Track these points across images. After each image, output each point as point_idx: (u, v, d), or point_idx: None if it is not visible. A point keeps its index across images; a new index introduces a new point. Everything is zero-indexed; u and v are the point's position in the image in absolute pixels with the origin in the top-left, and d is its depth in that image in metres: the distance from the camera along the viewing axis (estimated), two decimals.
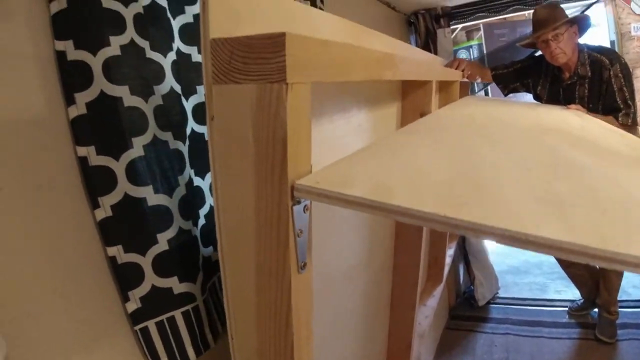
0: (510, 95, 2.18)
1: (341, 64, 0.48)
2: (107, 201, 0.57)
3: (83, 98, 0.54)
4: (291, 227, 0.42)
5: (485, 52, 3.17)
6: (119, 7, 0.57)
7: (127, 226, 0.58)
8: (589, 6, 2.08)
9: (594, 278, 2.24)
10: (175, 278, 0.63)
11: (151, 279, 0.61)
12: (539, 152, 0.64)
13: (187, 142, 0.70)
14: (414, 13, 2.06)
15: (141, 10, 0.60)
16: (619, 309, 2.27)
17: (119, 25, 0.56)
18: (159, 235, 0.61)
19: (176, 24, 0.70)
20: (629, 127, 1.74)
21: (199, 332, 0.66)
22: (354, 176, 0.44)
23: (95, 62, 0.54)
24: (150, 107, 0.61)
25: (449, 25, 2.09)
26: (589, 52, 1.77)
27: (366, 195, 0.37)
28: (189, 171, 0.70)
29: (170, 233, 0.62)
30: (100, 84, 0.55)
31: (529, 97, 2.16)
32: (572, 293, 2.48)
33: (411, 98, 1.11)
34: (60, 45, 0.52)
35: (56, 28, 0.52)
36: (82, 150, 0.55)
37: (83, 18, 0.53)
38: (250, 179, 0.44)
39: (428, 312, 1.73)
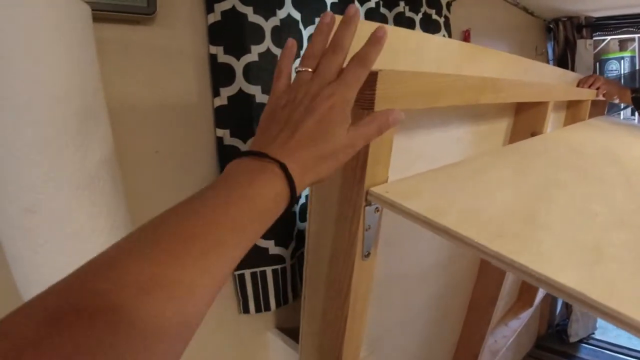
0: None
1: (430, 92, 0.56)
2: None
3: (226, 92, 0.71)
4: (361, 223, 0.53)
5: (638, 66, 2.79)
6: (260, 20, 0.71)
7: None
8: None
9: None
10: (272, 241, 0.78)
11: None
12: (625, 197, 0.64)
13: None
14: (555, 20, 1.93)
15: (278, 23, 0.74)
16: None
17: (259, 36, 0.71)
18: None
19: (306, 33, 0.83)
20: None
21: (282, 288, 0.81)
22: (421, 192, 0.52)
23: (238, 65, 0.70)
24: None
25: (591, 37, 1.91)
26: None
27: (420, 211, 0.46)
28: None
29: None
30: (240, 82, 0.71)
31: None
32: None
33: (524, 116, 1.10)
34: (213, 49, 0.68)
35: (211, 35, 0.68)
36: (220, 132, 0.72)
37: (232, 29, 0.69)
38: (337, 181, 0.55)
39: (508, 332, 1.70)
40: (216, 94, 0.71)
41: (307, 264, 0.65)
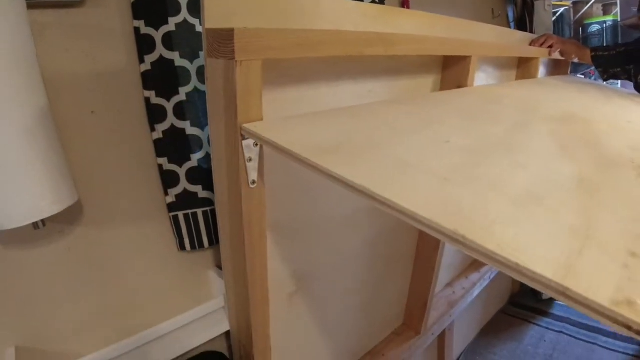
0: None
1: (298, 45, 0.70)
2: (160, 127, 0.89)
3: (149, 59, 0.86)
4: (241, 155, 0.69)
5: (619, 29, 2.87)
6: None
7: (172, 145, 0.91)
8: None
9: None
10: (200, 186, 0.95)
11: (184, 184, 0.93)
12: (492, 134, 0.78)
13: None
14: None
15: None
16: None
17: (176, 9, 0.86)
18: (192, 155, 0.93)
19: None
20: None
21: (214, 228, 0.98)
22: (286, 128, 0.68)
23: (158, 35, 0.85)
24: (194, 67, 0.91)
25: None
26: None
27: (273, 138, 0.61)
28: None
29: (200, 155, 0.94)
30: (160, 50, 0.86)
31: None
32: None
33: (449, 72, 1.24)
34: (136, 23, 0.84)
35: (134, 11, 0.83)
36: (147, 93, 0.88)
37: (151, 5, 0.83)
38: (222, 121, 0.71)
39: (467, 285, 1.86)
40: (141, 60, 0.86)
41: (216, 196, 0.81)
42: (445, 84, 1.23)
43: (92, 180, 0.85)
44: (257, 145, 0.70)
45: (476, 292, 2.01)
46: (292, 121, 0.72)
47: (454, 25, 1.23)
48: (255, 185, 0.73)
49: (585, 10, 3.68)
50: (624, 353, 2.13)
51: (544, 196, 0.51)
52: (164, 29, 0.85)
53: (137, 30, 0.84)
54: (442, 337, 1.91)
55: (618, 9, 3.15)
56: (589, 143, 0.80)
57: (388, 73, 1.04)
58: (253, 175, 0.71)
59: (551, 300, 2.51)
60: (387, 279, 1.41)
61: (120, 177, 0.89)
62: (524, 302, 2.54)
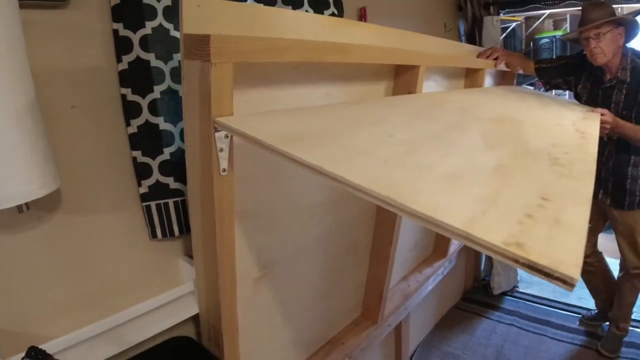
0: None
1: (265, 50, 0.82)
2: (135, 122, 0.98)
3: (127, 59, 0.95)
4: (214, 145, 0.79)
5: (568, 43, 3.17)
6: (154, 2, 0.96)
7: (146, 139, 0.99)
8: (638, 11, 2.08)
9: (609, 290, 2.31)
10: (172, 178, 1.04)
11: (156, 176, 1.02)
12: (430, 131, 0.92)
13: None
14: None
15: (170, 3, 0.99)
16: (634, 328, 2.33)
17: (152, 14, 0.96)
18: (164, 149, 1.02)
19: None
20: None
21: (184, 217, 1.07)
22: (254, 122, 0.79)
23: (135, 38, 0.94)
24: (168, 67, 1.00)
25: (498, 13, 2.23)
26: (633, 57, 1.83)
27: (243, 129, 0.72)
28: None
29: (172, 149, 1.03)
30: (137, 51, 0.95)
31: None
32: (593, 303, 2.55)
33: (400, 79, 1.39)
34: (115, 25, 0.92)
35: (114, 14, 0.92)
36: (123, 90, 0.96)
37: (130, 9, 0.93)
38: (197, 115, 0.81)
39: (421, 278, 2.01)
40: (119, 60, 0.95)
41: (188, 185, 0.91)
42: (397, 90, 1.38)
43: (69, 170, 0.92)
44: (227, 137, 0.81)
45: (430, 286, 2.17)
46: (258, 116, 0.83)
47: (405, 37, 1.38)
48: (226, 173, 0.83)
49: (537, 25, 3.99)
50: (571, 343, 2.35)
51: (464, 176, 0.65)
52: (141, 32, 0.95)
53: (116, 32, 0.93)
54: (398, 329, 2.05)
55: (567, 24, 3.46)
56: (515, 139, 0.96)
57: (344, 79, 1.17)
58: (224, 164, 0.82)
59: (501, 296, 2.73)
60: (346, 271, 1.54)
61: (97, 168, 0.97)
62: (476, 298, 2.74)
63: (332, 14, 1.42)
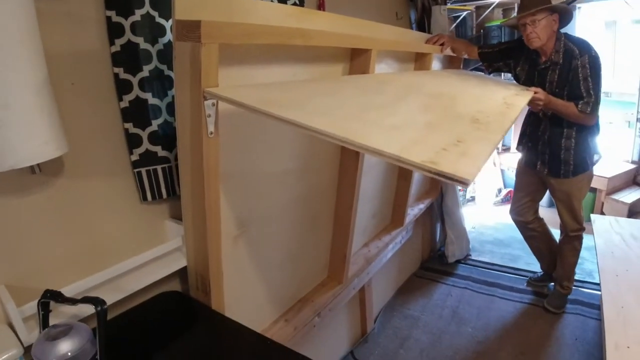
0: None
1: (243, 34, 1.01)
2: (127, 98, 1.15)
3: (119, 42, 1.11)
4: (203, 111, 0.98)
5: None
6: None
7: (136, 112, 1.17)
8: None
9: (552, 253, 2.65)
10: (160, 147, 1.21)
11: (146, 145, 1.19)
12: (385, 102, 1.15)
13: None
14: None
15: None
16: (578, 287, 2.67)
17: (141, 3, 1.13)
18: (152, 121, 1.19)
19: None
20: (587, 115, 2.10)
21: (170, 182, 1.25)
22: (235, 91, 0.98)
23: (127, 23, 1.11)
24: (155, 50, 1.17)
25: (445, 3, 2.49)
26: (566, 41, 2.11)
27: (229, 95, 0.91)
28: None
29: (159, 121, 1.20)
30: (129, 35, 1.12)
31: None
32: (539, 267, 2.89)
33: (356, 61, 1.61)
34: (109, 12, 1.09)
35: (107, 3, 1.08)
36: (116, 69, 1.13)
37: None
38: (188, 87, 0.99)
39: (381, 245, 2.26)
40: (112, 43, 1.11)
41: (179, 149, 1.10)
42: (353, 71, 1.60)
43: (70, 140, 1.07)
44: (214, 105, 1.00)
45: (389, 253, 2.44)
46: (238, 88, 1.03)
47: (359, 25, 1.60)
48: (212, 135, 1.02)
49: (486, 14, 4.32)
50: (519, 302, 2.68)
51: (401, 128, 0.88)
52: (132, 19, 1.11)
53: (109, 18, 1.09)
54: (362, 292, 2.30)
55: (515, 13, 3.77)
56: (447, 108, 1.20)
57: (306, 61, 1.38)
58: (211, 127, 1.01)
59: (456, 263, 3.04)
60: (313, 235, 1.75)
61: (93, 138, 1.13)
62: (433, 266, 3.04)
63: (295, 4, 1.62)
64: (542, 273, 2.81)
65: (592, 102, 2.07)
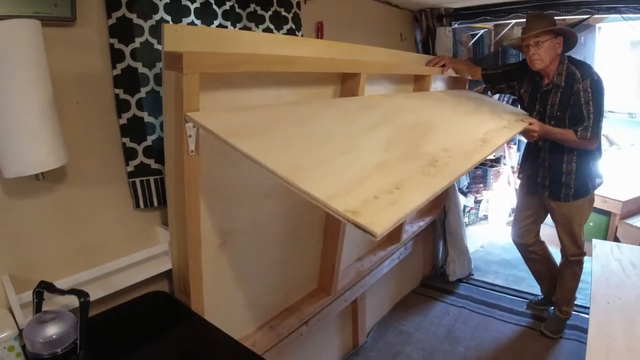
0: None
1: (224, 63, 1.17)
2: (125, 115, 1.33)
3: (120, 66, 1.29)
4: (185, 132, 1.14)
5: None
6: (141, 22, 1.31)
7: (133, 129, 1.34)
8: (579, 22, 2.47)
9: (553, 276, 2.69)
10: (153, 160, 1.39)
11: (141, 158, 1.37)
12: (351, 130, 1.29)
13: None
14: (420, 10, 2.62)
15: (154, 23, 1.34)
16: (578, 313, 2.69)
17: (140, 32, 1.31)
18: (147, 137, 1.37)
19: None
20: (588, 140, 2.15)
21: (162, 192, 1.42)
22: (215, 116, 1.14)
23: (127, 50, 1.29)
24: (152, 73, 1.35)
25: (450, 25, 2.61)
26: (569, 64, 2.17)
27: (204, 123, 1.07)
28: None
29: (153, 137, 1.38)
30: (128, 60, 1.30)
31: None
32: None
33: (346, 84, 1.75)
34: (112, 40, 1.27)
35: (110, 31, 1.26)
36: (117, 90, 1.31)
37: (123, 27, 1.27)
38: (173, 110, 1.16)
39: (374, 259, 2.38)
40: (114, 67, 1.30)
41: (166, 164, 1.26)
42: (343, 94, 1.74)
43: (74, 151, 1.26)
44: (194, 127, 1.16)
45: (385, 268, 2.55)
46: (218, 113, 1.19)
47: (352, 50, 1.74)
48: (193, 153, 1.18)
49: (505, 32, 4.39)
50: (516, 324, 2.73)
51: (351, 166, 1.02)
52: (132, 46, 1.30)
53: (111, 45, 1.28)
54: (355, 305, 2.41)
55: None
56: (413, 144, 1.32)
57: (293, 83, 1.53)
58: (192, 146, 1.17)
59: (457, 282, 3.11)
60: (302, 246, 1.89)
61: (94, 150, 1.31)
62: (433, 284, 3.12)
63: (291, 29, 1.78)
64: (542, 297, 2.85)
65: (591, 127, 2.12)
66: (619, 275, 2.24)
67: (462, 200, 3.92)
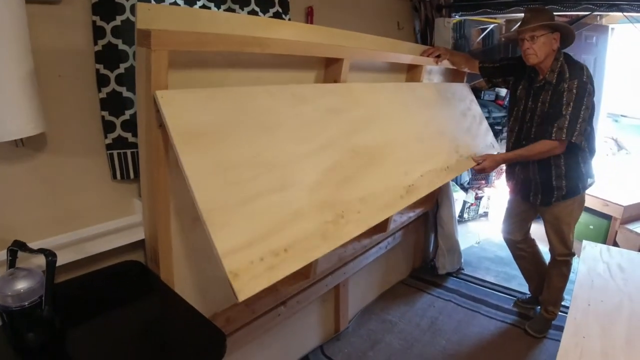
0: None
1: (194, 42, 1.25)
2: (105, 90, 1.42)
3: (101, 42, 1.39)
4: (153, 107, 1.23)
5: None
6: (123, 1, 1.39)
7: (112, 103, 1.44)
8: (577, 19, 2.47)
9: (541, 275, 2.71)
10: (130, 133, 1.48)
11: (119, 131, 1.46)
12: (300, 151, 1.37)
13: None
14: (419, 0, 2.65)
15: (135, 2, 1.42)
16: (565, 314, 2.68)
17: (122, 10, 1.39)
18: (125, 111, 1.46)
19: None
20: (561, 142, 2.10)
21: (138, 165, 1.51)
22: (181, 99, 1.22)
23: (108, 27, 1.38)
24: (131, 50, 1.44)
25: (449, 16, 2.64)
26: (563, 62, 2.16)
27: (165, 112, 1.15)
28: None
29: (131, 111, 1.47)
30: (109, 37, 1.39)
31: None
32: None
33: (329, 69, 1.81)
34: (94, 17, 1.36)
35: (93, 9, 1.35)
36: (97, 65, 1.40)
37: (105, 6, 1.36)
38: (144, 87, 1.24)
39: (358, 247, 2.44)
40: (95, 43, 1.39)
41: (138, 137, 1.35)
42: (326, 78, 1.81)
43: (55, 122, 1.35)
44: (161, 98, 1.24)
45: (371, 257, 2.62)
46: (186, 94, 1.26)
47: (334, 35, 1.80)
48: (161, 127, 1.27)
49: (516, 28, 4.37)
50: (501, 321, 2.77)
51: (268, 214, 1.14)
52: (113, 23, 1.39)
53: (94, 22, 1.37)
54: (337, 290, 2.49)
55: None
56: (341, 182, 1.49)
57: (273, 66, 1.60)
58: (160, 120, 1.26)
59: (446, 276, 3.17)
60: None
61: (75, 122, 1.41)
62: (422, 276, 3.18)
63: (277, 12, 1.85)
64: (529, 295, 2.89)
65: (566, 128, 2.07)
66: (604, 278, 2.25)
67: (462, 196, 3.95)
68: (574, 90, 2.08)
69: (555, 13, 2.22)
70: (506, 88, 2.59)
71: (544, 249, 2.71)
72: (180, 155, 1.12)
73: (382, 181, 1.67)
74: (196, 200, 1.10)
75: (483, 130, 2.77)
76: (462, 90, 2.71)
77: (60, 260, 1.20)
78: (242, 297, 1.05)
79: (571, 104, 2.07)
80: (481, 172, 2.14)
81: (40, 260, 1.22)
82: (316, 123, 1.56)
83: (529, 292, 2.89)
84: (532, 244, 2.72)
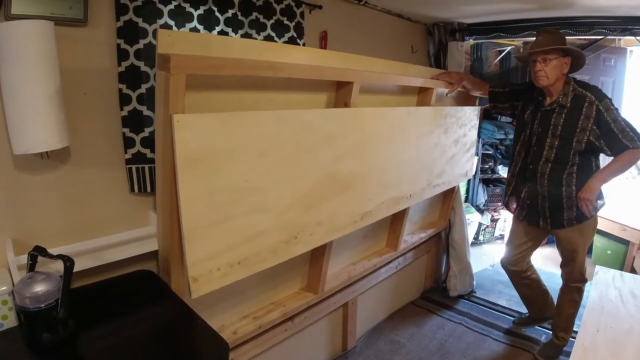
0: None
1: (209, 66, 1.34)
2: (126, 108, 1.53)
3: (124, 64, 1.50)
4: (170, 128, 1.32)
5: None
6: (146, 26, 1.51)
7: (133, 120, 1.54)
8: (589, 44, 2.51)
9: (542, 299, 2.71)
10: (149, 150, 1.58)
11: (138, 147, 1.56)
12: (286, 176, 1.47)
13: None
14: (433, 24, 2.73)
15: (157, 26, 1.53)
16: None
17: (145, 34, 1.51)
18: (145, 128, 1.56)
19: None
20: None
21: (155, 179, 1.61)
22: (194, 124, 1.31)
23: (131, 50, 1.49)
24: (152, 72, 1.55)
25: (463, 40, 2.70)
26: (575, 85, 2.20)
27: (177, 138, 1.25)
28: None
29: (151, 129, 1.57)
30: (132, 59, 1.50)
31: None
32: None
33: (340, 92, 1.89)
34: (119, 40, 1.47)
35: (118, 33, 1.47)
36: (120, 85, 1.51)
37: (129, 30, 1.48)
38: (163, 109, 1.34)
39: (368, 266, 2.49)
40: (119, 64, 1.50)
41: (156, 154, 1.45)
42: (337, 101, 1.89)
43: (79, 136, 1.47)
44: (179, 121, 1.33)
45: (381, 276, 2.65)
46: (200, 119, 1.35)
47: (345, 59, 1.88)
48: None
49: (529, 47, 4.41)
50: (511, 345, 2.75)
51: (241, 230, 1.21)
52: (136, 46, 1.50)
53: (118, 45, 1.48)
54: (346, 308, 2.53)
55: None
56: (310, 205, 1.63)
57: (286, 88, 1.69)
58: None
59: (458, 298, 3.17)
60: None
61: (97, 137, 1.52)
62: (434, 297, 3.19)
63: (292, 37, 1.95)
64: (527, 314, 2.87)
65: (635, 135, 2.11)
66: (615, 304, 2.23)
67: (478, 217, 3.95)
68: (612, 107, 2.13)
69: (568, 37, 2.25)
70: (511, 116, 2.60)
71: (549, 269, 2.70)
72: (179, 180, 1.27)
73: (345, 206, 1.89)
74: (181, 218, 1.29)
75: (466, 158, 2.92)
76: (470, 114, 2.76)
77: (77, 267, 1.29)
78: (195, 296, 1.34)
79: (618, 118, 2.11)
80: (586, 203, 2.19)
81: (59, 265, 1.32)
82: (310, 149, 1.66)
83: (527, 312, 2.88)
84: (533, 270, 2.69)
